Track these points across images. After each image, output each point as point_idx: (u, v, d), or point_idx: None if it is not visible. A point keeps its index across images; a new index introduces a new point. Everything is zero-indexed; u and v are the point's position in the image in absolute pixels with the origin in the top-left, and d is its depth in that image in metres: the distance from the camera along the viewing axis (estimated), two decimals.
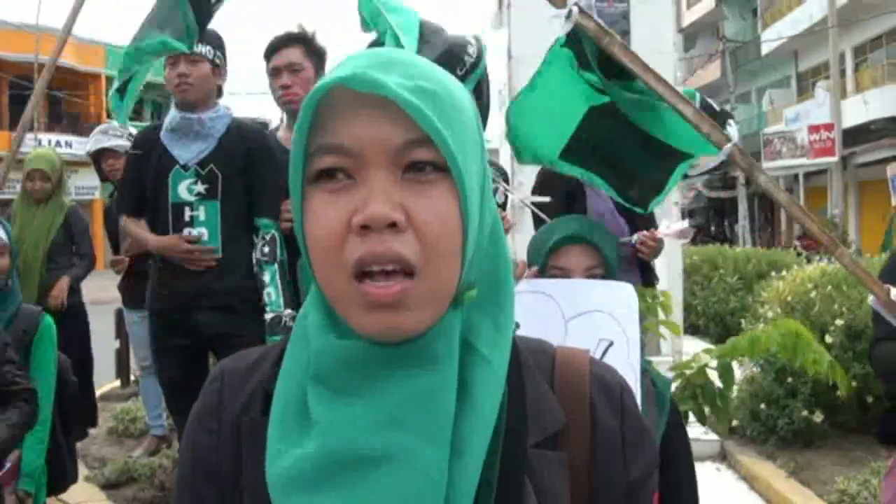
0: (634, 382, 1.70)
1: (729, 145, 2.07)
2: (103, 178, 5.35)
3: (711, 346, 2.56)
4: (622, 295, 1.75)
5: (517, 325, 1.67)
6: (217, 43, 3.46)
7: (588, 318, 1.71)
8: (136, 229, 3.61)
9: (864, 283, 2.18)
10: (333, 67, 0.80)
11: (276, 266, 3.36)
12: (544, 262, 1.84)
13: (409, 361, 0.76)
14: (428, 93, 0.75)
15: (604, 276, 1.81)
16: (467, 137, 0.79)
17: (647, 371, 1.80)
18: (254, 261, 3.41)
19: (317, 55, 3.51)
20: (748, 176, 2.18)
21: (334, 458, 0.74)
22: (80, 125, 30.66)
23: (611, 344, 1.70)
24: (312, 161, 0.77)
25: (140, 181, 3.53)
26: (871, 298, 2.23)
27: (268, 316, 3.32)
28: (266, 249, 3.38)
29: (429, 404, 0.75)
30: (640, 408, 1.68)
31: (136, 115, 31.68)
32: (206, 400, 0.90)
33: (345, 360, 0.77)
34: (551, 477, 0.81)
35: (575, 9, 2.03)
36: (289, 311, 3.32)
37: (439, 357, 0.77)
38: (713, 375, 2.38)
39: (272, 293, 3.34)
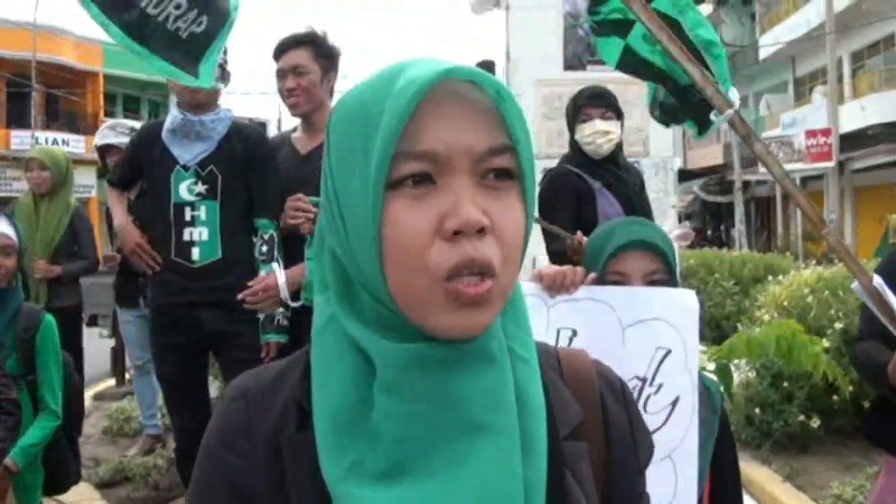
0: (692, 389, 1.70)
1: (730, 111, 2.10)
2: (108, 172, 5.37)
3: (704, 348, 2.55)
4: (681, 302, 1.73)
5: (575, 333, 1.67)
6: (224, 48, 3.48)
7: (646, 327, 1.69)
8: (115, 202, 3.80)
9: (847, 264, 2.19)
10: (397, 72, 0.78)
11: (272, 265, 3.37)
12: (603, 268, 1.78)
13: (472, 361, 0.78)
14: (510, 98, 0.79)
15: (665, 281, 1.76)
16: (530, 146, 0.82)
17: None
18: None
19: (326, 57, 3.49)
20: (746, 142, 2.20)
21: (414, 465, 0.76)
22: (76, 123, 30.63)
23: (668, 352, 1.69)
24: (396, 165, 0.76)
25: (134, 166, 3.64)
26: (854, 284, 2.23)
27: (261, 314, 3.33)
28: (264, 248, 3.41)
29: (500, 400, 0.78)
30: (696, 410, 1.70)
31: (133, 113, 31.76)
32: (231, 420, 0.86)
33: (410, 363, 0.77)
34: (582, 466, 0.87)
35: None
36: (281, 309, 3.33)
37: (495, 356, 0.79)
38: (712, 377, 2.37)
39: None
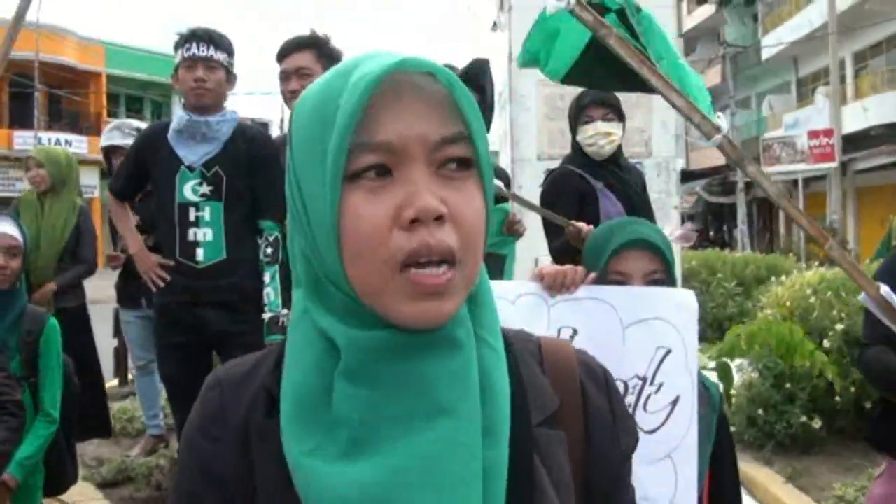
0: (692, 388, 1.70)
1: (719, 136, 2.08)
2: (112, 173, 5.36)
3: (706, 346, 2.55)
4: (681, 301, 1.74)
5: (575, 332, 1.67)
6: (231, 51, 3.54)
7: (646, 326, 1.70)
8: (122, 220, 3.76)
9: (853, 277, 2.18)
10: (352, 68, 0.80)
11: (277, 267, 3.40)
12: (604, 268, 1.78)
13: (438, 347, 0.79)
14: (463, 88, 0.80)
15: (664, 281, 1.77)
16: (485, 135, 0.82)
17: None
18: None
19: (329, 59, 3.53)
20: (738, 166, 2.19)
21: (374, 447, 0.77)
22: (79, 124, 30.66)
23: (668, 352, 1.70)
24: (351, 158, 0.77)
25: (138, 170, 3.61)
26: (862, 296, 2.23)
27: (266, 316, 3.36)
28: (269, 251, 3.43)
29: (463, 386, 0.78)
30: (696, 410, 1.70)
31: (136, 113, 31.78)
32: (206, 408, 0.89)
33: (378, 350, 0.78)
34: (555, 454, 0.86)
35: (573, 0, 2.04)
36: (285, 311, 3.35)
37: (462, 343, 0.80)
38: (711, 376, 2.38)
39: (271, 293, 3.39)
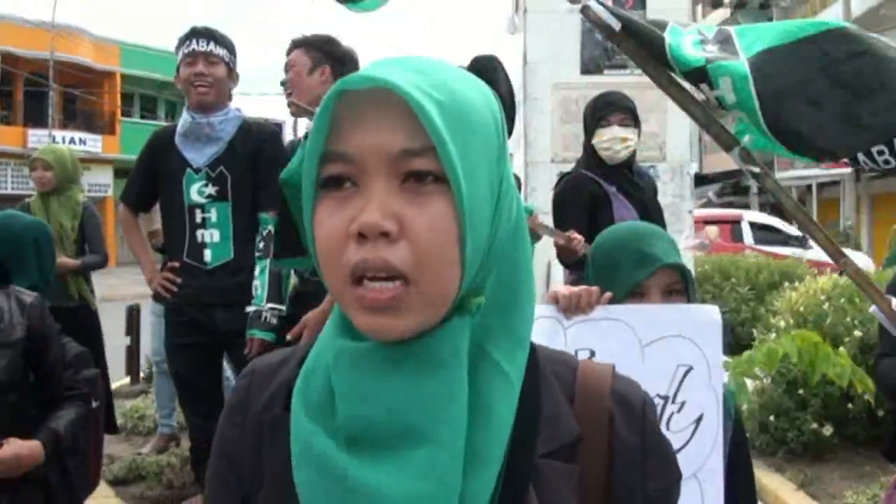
0: (717, 405, 1.67)
1: (737, 147, 2.05)
2: None
3: (727, 358, 2.54)
4: (702, 317, 1.71)
5: (593, 353, 1.64)
6: (231, 48, 3.56)
7: (666, 344, 1.67)
8: (138, 242, 3.77)
9: (867, 293, 2.17)
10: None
11: (267, 261, 3.40)
12: (628, 290, 1.74)
13: (416, 364, 0.77)
14: (435, 98, 0.76)
15: (682, 291, 1.76)
16: (475, 144, 0.78)
17: None
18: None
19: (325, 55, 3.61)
20: (756, 178, 2.15)
21: (360, 462, 0.76)
22: (94, 123, 30.81)
23: (689, 369, 1.67)
24: (322, 167, 0.78)
25: (149, 178, 3.62)
26: (873, 308, 2.21)
27: (249, 309, 3.36)
28: (261, 245, 3.45)
29: (440, 409, 0.76)
30: (721, 427, 1.63)
31: (150, 113, 31.92)
32: (236, 395, 0.94)
33: (356, 361, 0.78)
34: (559, 487, 0.82)
35: (593, 2, 1.99)
36: (270, 305, 3.34)
37: (446, 362, 0.78)
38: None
39: (258, 287, 3.38)
